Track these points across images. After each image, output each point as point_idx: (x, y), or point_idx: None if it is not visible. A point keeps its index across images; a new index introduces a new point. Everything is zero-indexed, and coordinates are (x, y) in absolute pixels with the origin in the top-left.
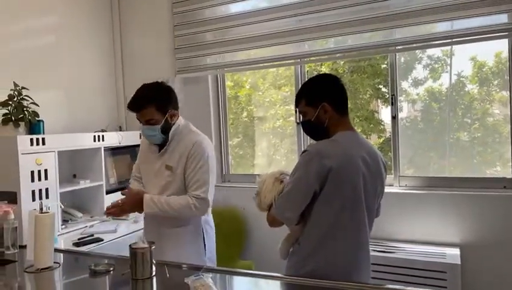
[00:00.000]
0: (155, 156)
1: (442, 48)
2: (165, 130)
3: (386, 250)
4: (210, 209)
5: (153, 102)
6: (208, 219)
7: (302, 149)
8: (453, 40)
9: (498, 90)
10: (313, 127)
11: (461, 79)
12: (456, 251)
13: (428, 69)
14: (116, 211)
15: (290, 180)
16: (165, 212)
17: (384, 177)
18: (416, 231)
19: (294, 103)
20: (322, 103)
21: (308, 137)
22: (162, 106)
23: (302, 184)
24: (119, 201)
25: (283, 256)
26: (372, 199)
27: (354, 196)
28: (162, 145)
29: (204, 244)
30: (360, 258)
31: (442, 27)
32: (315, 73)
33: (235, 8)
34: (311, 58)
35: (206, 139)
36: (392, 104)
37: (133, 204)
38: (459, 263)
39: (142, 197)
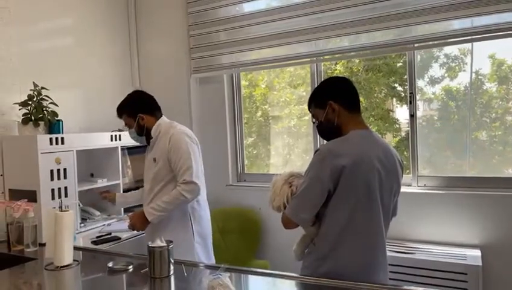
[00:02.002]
0: (147, 155)
1: (460, 46)
2: (140, 131)
3: (405, 251)
4: (202, 196)
5: (124, 111)
6: (196, 206)
7: None
8: (473, 37)
9: None
10: (325, 128)
11: (479, 77)
12: (477, 252)
13: (445, 67)
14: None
15: (304, 180)
16: (165, 210)
17: (401, 176)
18: (436, 232)
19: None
20: (328, 101)
21: None
22: (132, 113)
23: (316, 184)
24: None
25: (298, 257)
26: (387, 197)
27: (368, 194)
28: (149, 144)
29: (193, 229)
30: (377, 258)
31: (461, 24)
32: (329, 72)
33: (249, 7)
34: (326, 57)
35: (182, 131)
36: (410, 102)
37: (140, 222)
38: (480, 264)
39: (142, 213)
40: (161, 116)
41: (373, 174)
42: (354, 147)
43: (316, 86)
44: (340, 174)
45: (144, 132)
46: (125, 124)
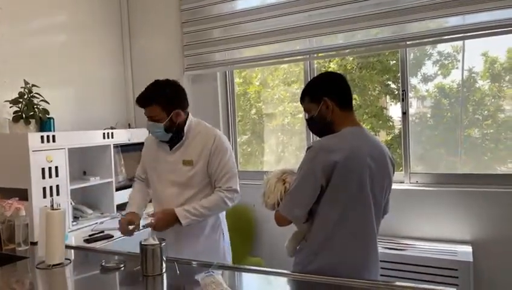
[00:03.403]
0: (166, 154)
1: (453, 44)
2: (169, 128)
3: (396, 247)
4: None
5: (159, 101)
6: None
7: None
8: (465, 34)
9: (510, 86)
10: (317, 124)
11: (472, 75)
12: (468, 249)
13: (438, 65)
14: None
15: (296, 177)
16: (202, 216)
17: (392, 173)
18: (428, 228)
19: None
20: (324, 98)
21: None
22: (167, 106)
23: (308, 180)
24: (152, 221)
25: (290, 254)
26: (379, 194)
27: (360, 190)
28: (172, 142)
29: (223, 235)
30: (369, 254)
31: (453, 21)
32: (323, 69)
33: (242, 5)
34: (320, 55)
35: (222, 134)
36: (402, 100)
37: (167, 221)
38: (471, 260)
39: (173, 213)
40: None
41: (365, 171)
42: (346, 143)
43: None
44: (333, 169)
45: (173, 130)
46: (151, 116)
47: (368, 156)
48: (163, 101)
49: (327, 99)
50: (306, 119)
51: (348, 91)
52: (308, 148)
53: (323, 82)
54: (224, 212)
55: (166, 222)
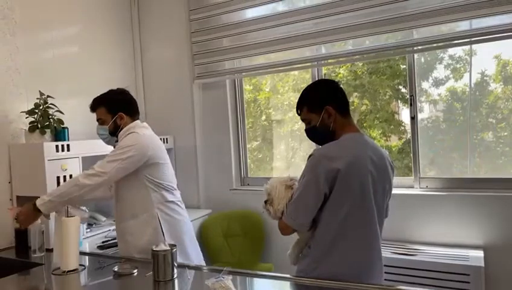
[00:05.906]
0: None
1: (464, 48)
2: (113, 131)
3: (407, 252)
4: (175, 196)
5: (105, 103)
6: (164, 207)
7: None
8: (472, 39)
9: None
10: (318, 133)
11: (485, 78)
12: (480, 253)
13: (449, 68)
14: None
15: (299, 185)
16: (59, 196)
17: (392, 177)
18: (438, 233)
19: (296, 111)
20: (325, 106)
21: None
22: (112, 108)
23: (312, 188)
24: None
25: (293, 261)
26: (381, 198)
27: (362, 196)
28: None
29: (163, 232)
30: (372, 260)
31: (461, 26)
32: (333, 75)
33: (251, 13)
34: (329, 61)
35: (138, 136)
36: (410, 104)
37: (27, 213)
38: (483, 265)
39: (32, 203)
40: (137, 119)
41: (366, 176)
42: (347, 150)
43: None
44: (336, 177)
45: (117, 133)
46: (98, 119)
47: (369, 161)
48: (108, 103)
49: (329, 107)
50: (305, 129)
51: (345, 97)
52: (309, 157)
53: (322, 90)
54: (171, 216)
55: (26, 214)
